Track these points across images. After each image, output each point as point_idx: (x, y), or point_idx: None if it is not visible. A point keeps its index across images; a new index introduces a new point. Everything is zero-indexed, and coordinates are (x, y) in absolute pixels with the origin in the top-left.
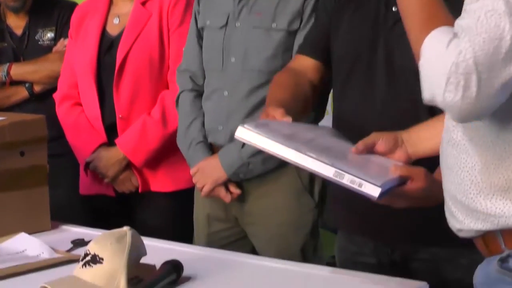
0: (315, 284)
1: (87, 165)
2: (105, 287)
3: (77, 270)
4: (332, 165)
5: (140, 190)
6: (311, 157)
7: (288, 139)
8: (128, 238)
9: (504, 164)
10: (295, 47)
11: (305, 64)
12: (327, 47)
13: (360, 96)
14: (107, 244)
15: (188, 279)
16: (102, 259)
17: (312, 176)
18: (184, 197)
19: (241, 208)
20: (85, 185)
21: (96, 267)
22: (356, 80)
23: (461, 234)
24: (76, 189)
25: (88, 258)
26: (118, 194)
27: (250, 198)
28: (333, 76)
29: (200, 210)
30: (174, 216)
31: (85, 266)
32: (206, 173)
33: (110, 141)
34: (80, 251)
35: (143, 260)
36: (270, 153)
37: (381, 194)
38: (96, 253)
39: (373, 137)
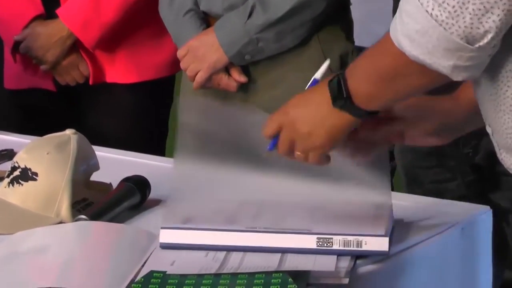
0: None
1: (16, 46)
2: (40, 212)
3: (1, 189)
4: (310, 232)
5: (91, 82)
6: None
7: (232, 218)
8: (73, 145)
9: None
10: None
11: None
12: None
13: None
14: (43, 154)
15: (157, 202)
16: (36, 174)
17: (344, 59)
18: (155, 92)
19: (245, 103)
20: (14, 76)
21: (28, 186)
22: None
23: None
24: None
25: (16, 173)
26: (60, 88)
27: (257, 88)
28: None
29: None
30: (139, 118)
31: (13, 184)
32: (200, 54)
33: (49, 13)
34: (8, 166)
35: (95, 177)
36: (213, 247)
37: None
38: (28, 167)
39: None
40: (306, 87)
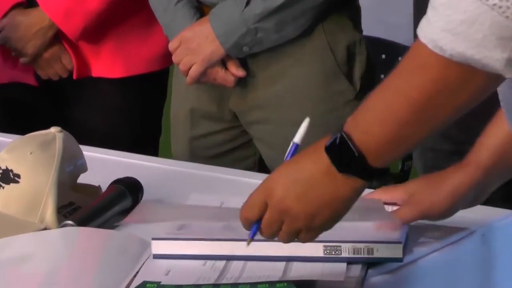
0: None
1: None
2: (23, 217)
3: None
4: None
5: (75, 76)
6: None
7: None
8: (58, 145)
9: None
10: None
11: None
12: None
13: None
14: (26, 154)
15: None
16: (19, 176)
17: (352, 51)
18: (146, 87)
19: (243, 99)
20: None
21: (10, 188)
22: None
23: None
24: None
25: None
26: (42, 82)
27: (256, 83)
28: None
29: (180, 105)
30: (129, 115)
31: None
32: (194, 47)
33: (30, 1)
34: None
35: (83, 179)
36: (211, 257)
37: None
38: (10, 168)
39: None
40: (286, 154)
